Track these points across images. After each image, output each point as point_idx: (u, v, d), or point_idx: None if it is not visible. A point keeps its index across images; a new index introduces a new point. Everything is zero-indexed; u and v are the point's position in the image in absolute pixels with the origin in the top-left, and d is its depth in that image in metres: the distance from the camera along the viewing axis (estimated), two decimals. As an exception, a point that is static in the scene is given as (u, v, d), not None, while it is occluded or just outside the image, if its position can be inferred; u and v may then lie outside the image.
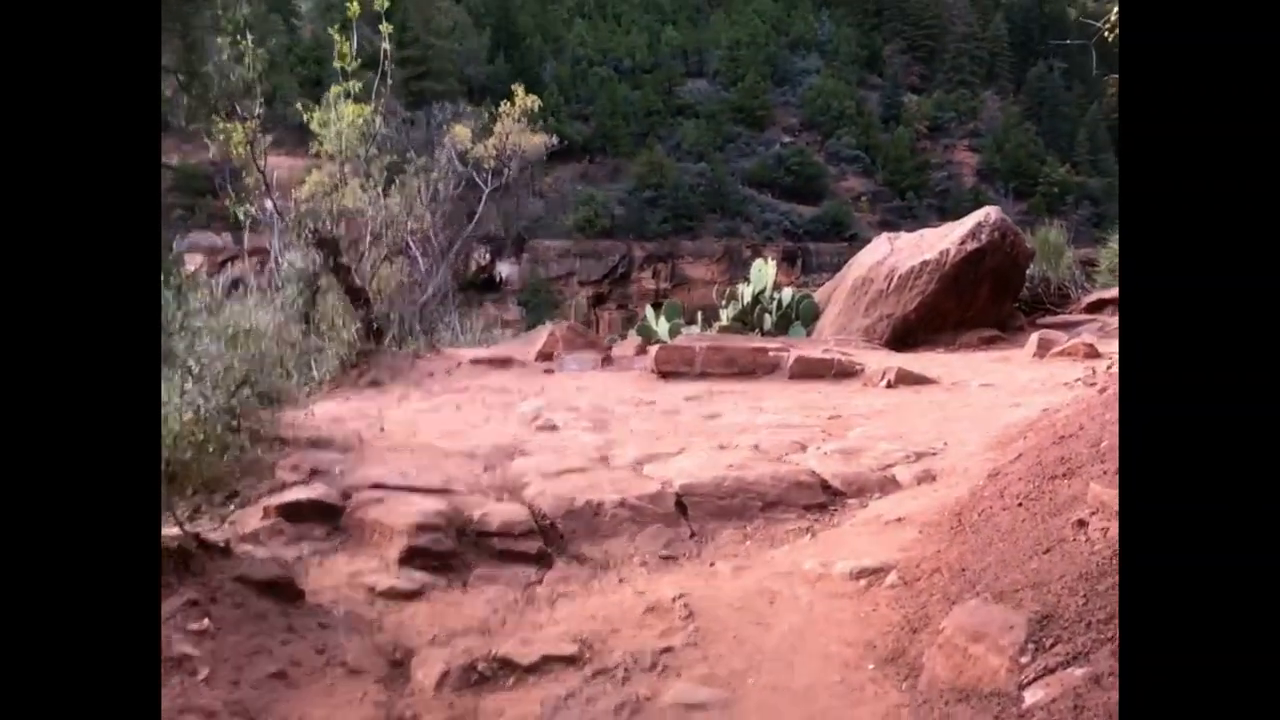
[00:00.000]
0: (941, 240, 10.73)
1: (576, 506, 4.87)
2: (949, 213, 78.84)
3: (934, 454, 5.79)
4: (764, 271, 12.06)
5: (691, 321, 12.61)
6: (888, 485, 5.31)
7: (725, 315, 11.91)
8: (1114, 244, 13.25)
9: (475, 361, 9.10)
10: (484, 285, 79.02)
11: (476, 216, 10.77)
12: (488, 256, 79.07)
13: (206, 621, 3.67)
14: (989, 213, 10.85)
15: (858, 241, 78.52)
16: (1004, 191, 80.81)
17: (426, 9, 79.22)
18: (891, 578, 4.12)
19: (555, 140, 11.29)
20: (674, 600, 4.02)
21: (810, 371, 8.67)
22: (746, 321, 11.79)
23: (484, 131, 11.07)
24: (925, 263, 10.44)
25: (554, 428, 6.57)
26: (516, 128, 10.69)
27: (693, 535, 4.83)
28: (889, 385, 8.30)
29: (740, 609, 4.00)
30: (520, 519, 4.71)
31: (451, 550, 4.47)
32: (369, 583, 4.22)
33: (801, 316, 11.60)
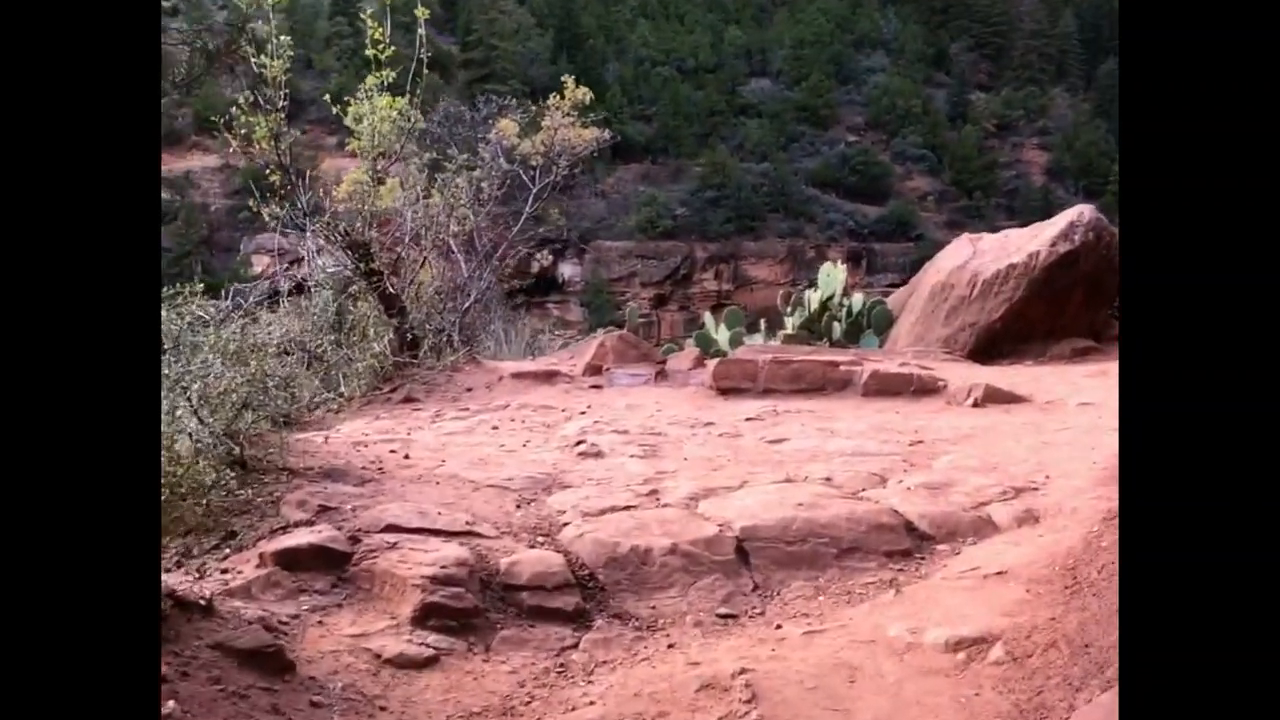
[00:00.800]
0: (1030, 242, 9.86)
1: (621, 553, 4.20)
2: (1018, 213, 77.64)
3: (1035, 489, 5.04)
4: (833, 275, 11.23)
5: (754, 329, 11.84)
6: (983, 528, 4.57)
7: (790, 323, 11.11)
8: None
9: (517, 375, 8.45)
10: (546, 286, 78.89)
11: (524, 217, 10.07)
12: (549, 257, 78.59)
13: (172, 704, 3.03)
14: (1082, 212, 9.94)
15: (924, 242, 77.85)
16: (1074, 190, 79.13)
17: (490, 11, 79.32)
18: (997, 651, 3.41)
19: (608, 134, 10.56)
20: (734, 676, 3.35)
21: (887, 388, 7.90)
22: (814, 330, 10.99)
23: (532, 126, 10.39)
24: (1012, 266, 9.59)
25: (599, 454, 5.89)
26: (566, 121, 9.99)
27: (756, 588, 4.14)
28: (975, 404, 7.54)
29: (813, 689, 3.31)
30: (555, 569, 4.04)
31: (473, 607, 3.82)
32: (375, 647, 3.59)
33: (874, 324, 10.79)
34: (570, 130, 10.06)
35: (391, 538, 4.16)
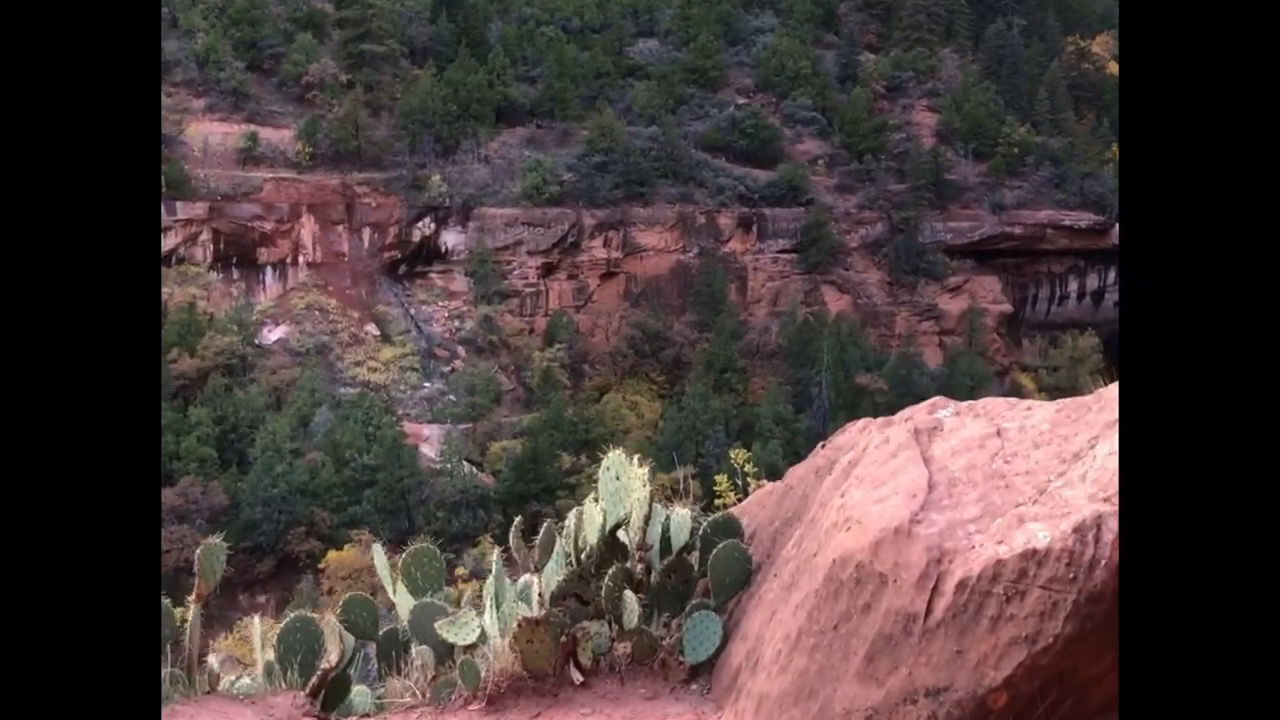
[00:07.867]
0: (1066, 476, 3.75)
1: None
2: (908, 176, 72.61)
3: None
4: (625, 477, 4.81)
5: (456, 584, 4.80)
6: None
7: (546, 580, 4.68)
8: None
9: None
10: (429, 256, 71.77)
11: None
12: (431, 226, 71.47)
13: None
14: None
15: (816, 206, 72.67)
16: (964, 152, 74.63)
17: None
18: None
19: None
20: None
21: None
22: (585, 597, 4.74)
23: None
24: (1032, 555, 3.50)
25: None
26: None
27: None
28: None
29: None
30: None
31: None
32: None
33: (715, 582, 4.62)
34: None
35: None
